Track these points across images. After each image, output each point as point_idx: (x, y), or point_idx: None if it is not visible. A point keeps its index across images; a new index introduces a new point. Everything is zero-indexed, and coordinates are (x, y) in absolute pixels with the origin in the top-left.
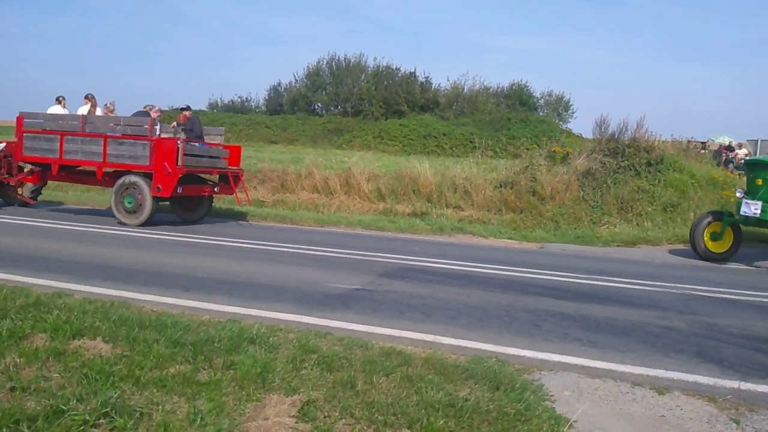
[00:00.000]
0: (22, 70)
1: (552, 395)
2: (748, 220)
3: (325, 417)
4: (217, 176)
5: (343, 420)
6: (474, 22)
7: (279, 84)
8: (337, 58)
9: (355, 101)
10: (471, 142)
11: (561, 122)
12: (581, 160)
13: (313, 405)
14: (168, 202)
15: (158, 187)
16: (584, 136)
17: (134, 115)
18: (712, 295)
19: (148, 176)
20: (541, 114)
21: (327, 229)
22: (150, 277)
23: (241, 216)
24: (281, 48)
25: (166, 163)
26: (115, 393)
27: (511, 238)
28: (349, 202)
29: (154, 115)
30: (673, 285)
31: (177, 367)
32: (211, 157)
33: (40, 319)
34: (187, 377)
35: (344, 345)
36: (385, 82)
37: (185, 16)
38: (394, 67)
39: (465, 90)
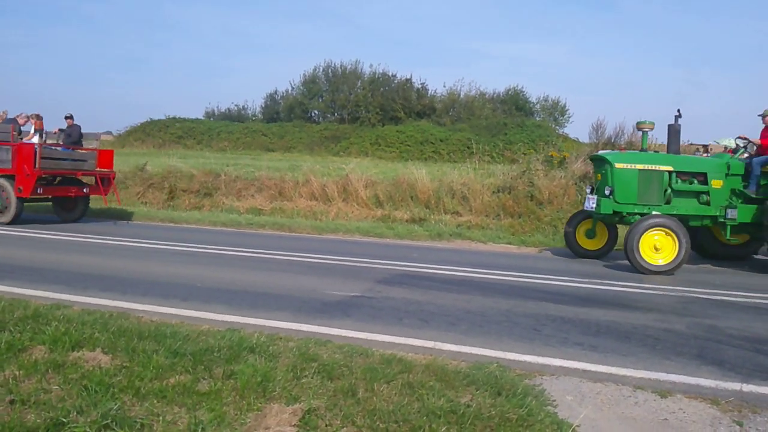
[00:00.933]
0: (21, 81)
1: (554, 400)
2: (603, 216)
3: (326, 426)
4: (93, 178)
5: (345, 428)
6: (469, 29)
7: (275, 92)
8: (333, 65)
9: (351, 108)
10: (468, 147)
11: (557, 127)
12: (578, 164)
13: (314, 414)
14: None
15: (20, 188)
16: (581, 140)
17: (5, 122)
18: (710, 297)
19: (12, 178)
20: (537, 119)
21: (325, 237)
22: (148, 286)
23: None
24: (277, 56)
25: (25, 166)
26: (115, 404)
27: (509, 243)
28: (347, 209)
29: (21, 121)
30: (672, 288)
31: (177, 377)
32: (74, 160)
33: (39, 331)
34: (187, 387)
35: (344, 353)
36: (382, 89)
37: (179, 24)
38: (390, 73)
39: (461, 96)
